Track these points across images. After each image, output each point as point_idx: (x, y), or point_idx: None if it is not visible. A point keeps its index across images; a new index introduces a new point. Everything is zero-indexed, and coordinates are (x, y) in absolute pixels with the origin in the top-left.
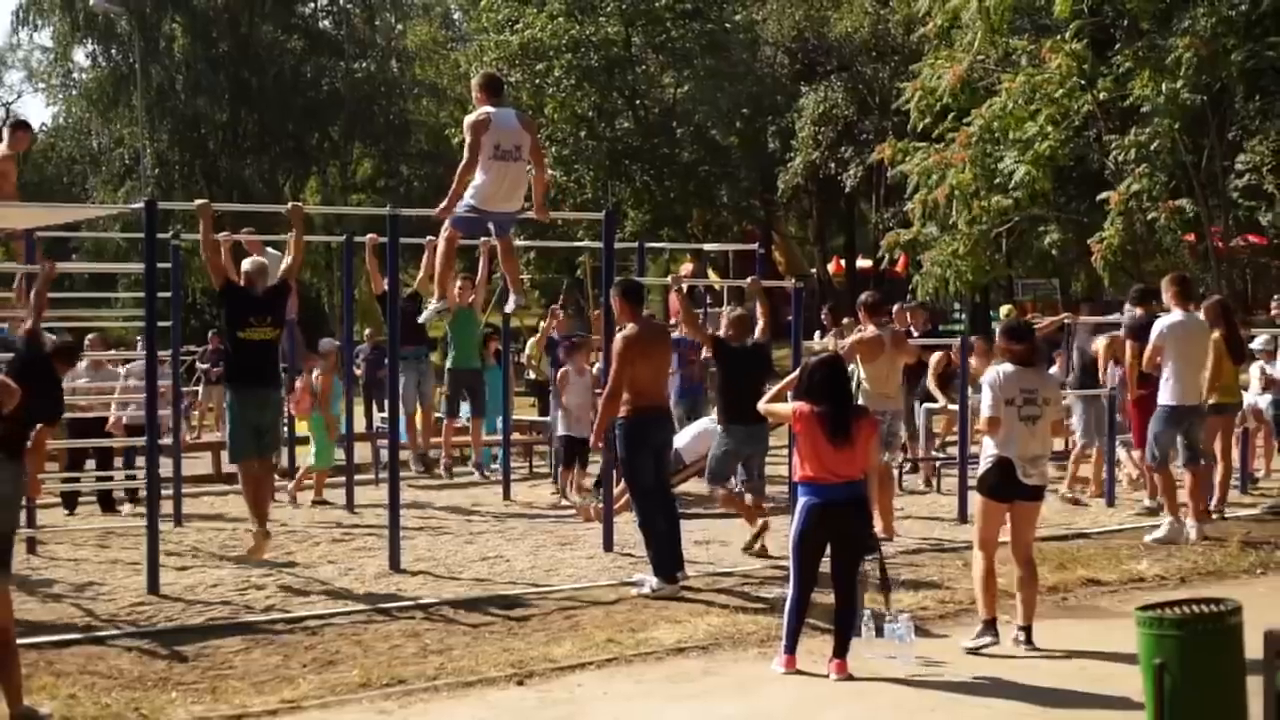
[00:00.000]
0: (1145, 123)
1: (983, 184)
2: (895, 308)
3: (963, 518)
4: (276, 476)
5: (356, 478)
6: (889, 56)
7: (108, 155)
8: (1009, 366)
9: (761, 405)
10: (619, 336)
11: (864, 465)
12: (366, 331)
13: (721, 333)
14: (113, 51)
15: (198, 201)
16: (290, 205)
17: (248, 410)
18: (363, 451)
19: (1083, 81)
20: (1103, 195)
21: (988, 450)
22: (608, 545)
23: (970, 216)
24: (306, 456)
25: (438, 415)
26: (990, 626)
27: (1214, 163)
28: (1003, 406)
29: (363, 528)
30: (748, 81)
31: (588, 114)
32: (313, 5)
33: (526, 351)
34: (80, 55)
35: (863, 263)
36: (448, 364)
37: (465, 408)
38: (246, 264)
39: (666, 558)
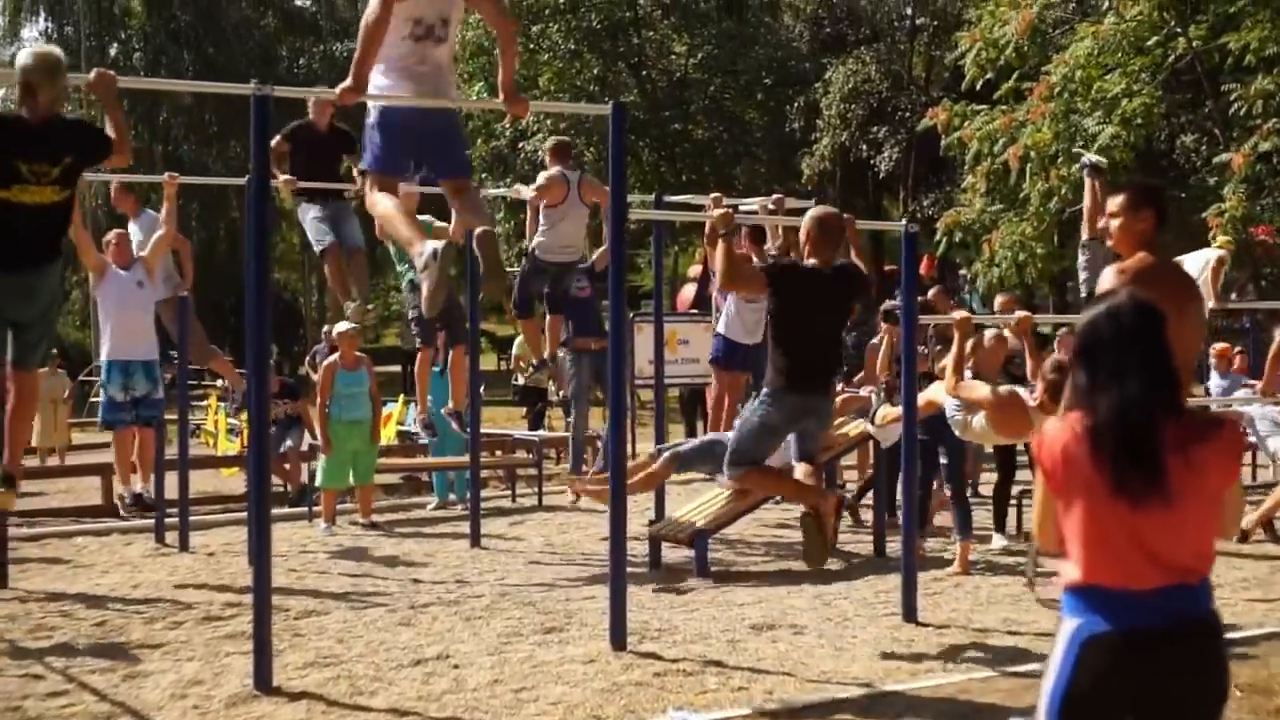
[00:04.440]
0: (1260, 74)
1: (1064, 145)
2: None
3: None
4: None
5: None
6: (928, 24)
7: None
8: None
9: (949, 387)
10: (1113, 268)
11: (1207, 546)
12: (324, 329)
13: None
14: (66, 28)
15: None
16: (95, 73)
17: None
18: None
19: (1178, 29)
20: (1221, 157)
21: None
22: (617, 638)
23: (1046, 187)
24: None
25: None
26: None
27: None
28: None
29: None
30: (770, 46)
31: (589, 86)
32: None
33: (515, 351)
34: (32, 32)
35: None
36: (407, 279)
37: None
38: (22, 55)
39: None
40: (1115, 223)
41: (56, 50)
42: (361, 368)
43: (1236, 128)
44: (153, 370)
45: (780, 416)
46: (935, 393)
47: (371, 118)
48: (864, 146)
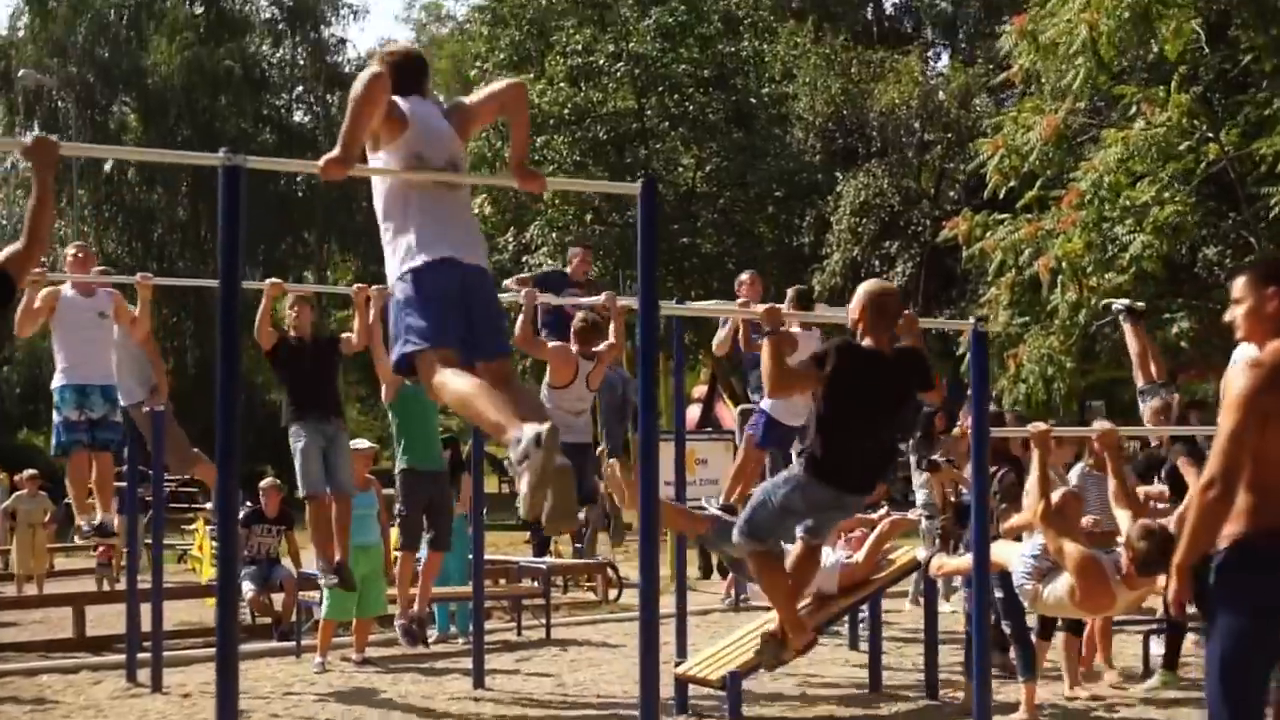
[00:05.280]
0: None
1: (1096, 255)
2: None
3: None
4: None
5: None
6: (940, 138)
7: (50, 256)
8: None
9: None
10: (1245, 363)
11: None
12: None
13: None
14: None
15: None
16: (33, 138)
17: None
18: None
19: (1210, 134)
20: None
21: None
22: None
23: (1076, 299)
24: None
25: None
26: None
27: None
28: None
29: None
30: (783, 157)
31: (595, 198)
32: (286, 97)
33: None
34: None
35: None
36: (399, 464)
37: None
38: None
39: None
40: (1240, 309)
41: None
42: (371, 489)
43: (1264, 239)
44: (110, 393)
45: (804, 505)
46: (1004, 554)
47: (401, 293)
48: (876, 261)
